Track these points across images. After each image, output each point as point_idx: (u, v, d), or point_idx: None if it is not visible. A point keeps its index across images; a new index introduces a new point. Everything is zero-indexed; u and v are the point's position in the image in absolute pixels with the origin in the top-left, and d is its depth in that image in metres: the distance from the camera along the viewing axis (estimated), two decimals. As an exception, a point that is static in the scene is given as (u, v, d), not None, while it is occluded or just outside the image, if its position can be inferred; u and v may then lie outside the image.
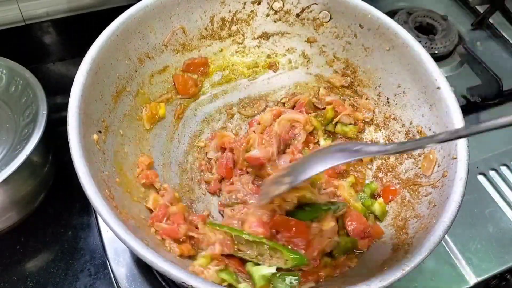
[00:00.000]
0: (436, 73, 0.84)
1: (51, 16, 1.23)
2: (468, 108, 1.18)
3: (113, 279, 0.86)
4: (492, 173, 1.08)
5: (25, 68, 0.99)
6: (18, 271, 0.89)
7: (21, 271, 0.88)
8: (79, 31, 1.23)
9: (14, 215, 0.93)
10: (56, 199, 0.97)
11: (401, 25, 1.25)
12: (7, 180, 0.85)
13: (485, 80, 1.15)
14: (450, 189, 0.73)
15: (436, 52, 1.25)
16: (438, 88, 0.83)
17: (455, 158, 0.76)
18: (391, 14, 1.34)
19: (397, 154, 0.89)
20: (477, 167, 1.08)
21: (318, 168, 0.68)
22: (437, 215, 0.71)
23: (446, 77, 1.20)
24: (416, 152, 0.85)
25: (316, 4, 0.94)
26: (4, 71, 1.01)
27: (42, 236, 0.93)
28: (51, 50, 1.23)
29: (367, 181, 0.91)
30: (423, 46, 1.20)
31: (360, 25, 0.92)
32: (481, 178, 1.07)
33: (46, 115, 0.93)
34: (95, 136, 0.73)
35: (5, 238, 0.92)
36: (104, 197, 0.65)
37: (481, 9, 1.39)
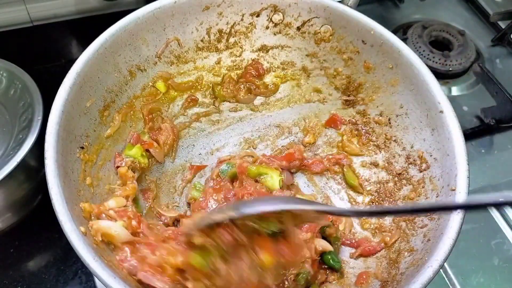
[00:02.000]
0: (440, 96, 0.79)
1: (59, 18, 1.24)
2: (482, 130, 1.12)
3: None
4: (502, 201, 1.01)
5: (25, 72, 1.00)
6: (10, 275, 0.88)
7: (13, 275, 0.88)
8: (86, 33, 1.23)
9: (9, 219, 0.94)
10: (51, 204, 0.97)
11: (415, 39, 1.22)
12: (0, 183, 0.86)
13: (500, 101, 1.09)
14: (446, 223, 0.68)
15: (450, 69, 1.19)
16: (441, 112, 0.78)
17: (454, 190, 0.72)
18: (406, 27, 1.28)
19: (396, 179, 0.85)
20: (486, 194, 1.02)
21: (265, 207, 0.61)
22: (430, 251, 0.67)
23: (460, 96, 1.19)
24: (416, 179, 0.81)
25: (318, 17, 0.90)
26: (5, 74, 1.02)
27: (36, 241, 0.92)
28: (56, 52, 1.23)
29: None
30: (436, 62, 1.19)
31: (363, 41, 0.88)
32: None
33: (41, 121, 0.93)
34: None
35: (-1, 241, 0.92)
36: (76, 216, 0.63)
37: (502, 24, 1.32)
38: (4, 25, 1.19)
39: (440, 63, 1.20)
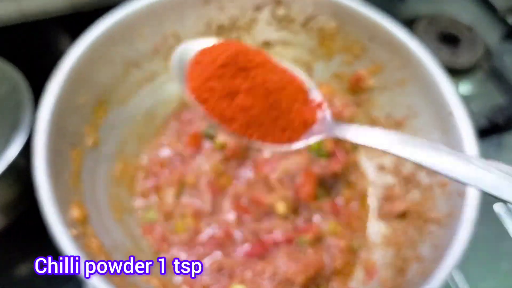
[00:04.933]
0: (451, 96, 0.76)
1: (51, 14, 1.20)
2: (490, 130, 1.09)
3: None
4: (511, 203, 0.99)
5: (15, 69, 0.97)
6: (1, 279, 0.86)
7: (2, 280, 0.86)
8: (79, 30, 1.20)
9: (0, 221, 0.91)
10: (41, 206, 0.96)
11: (421, 34, 1.19)
12: (-12, 185, 0.84)
13: (510, 100, 1.07)
14: (455, 229, 0.67)
15: (457, 66, 1.16)
16: (451, 113, 0.75)
17: (465, 195, 0.69)
18: (411, 22, 1.25)
19: (403, 184, 0.82)
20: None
21: None
22: (438, 259, 0.65)
23: (467, 94, 1.15)
24: (424, 183, 0.78)
25: (323, 13, 0.87)
26: (-6, 72, 0.98)
27: (27, 245, 0.90)
28: (49, 49, 1.20)
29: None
30: (443, 58, 1.15)
31: (370, 38, 0.85)
32: (498, 207, 0.98)
33: (32, 121, 0.90)
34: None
35: (-10, 244, 0.90)
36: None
37: (512, 19, 1.29)
38: (-5, 22, 1.16)
39: (447, 60, 1.17)
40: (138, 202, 0.81)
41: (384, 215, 0.81)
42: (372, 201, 0.85)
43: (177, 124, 0.89)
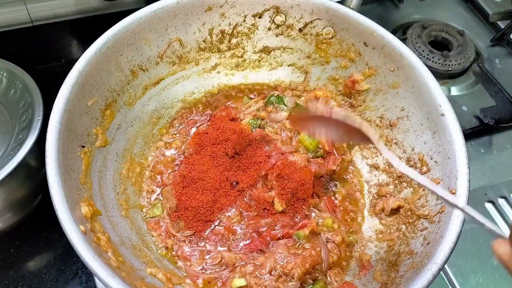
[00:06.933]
0: (441, 98, 0.79)
1: (59, 18, 1.23)
2: (481, 130, 1.12)
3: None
4: (501, 201, 1.02)
5: (25, 72, 0.99)
6: (10, 274, 0.88)
7: (13, 274, 0.88)
8: (86, 33, 1.22)
9: (9, 219, 0.94)
10: (52, 204, 0.96)
11: (415, 39, 1.22)
12: (0, 183, 0.85)
13: (499, 101, 1.09)
14: (446, 226, 0.69)
15: (449, 69, 1.19)
16: (442, 115, 0.78)
17: (454, 193, 0.72)
18: (405, 27, 1.28)
19: (396, 183, 0.85)
20: (486, 194, 1.02)
21: None
22: (430, 254, 0.67)
23: (459, 96, 1.19)
24: (416, 181, 0.81)
25: (320, 19, 0.90)
26: (5, 74, 1.01)
27: (36, 241, 0.92)
28: (57, 52, 1.22)
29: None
30: (436, 62, 1.19)
31: (364, 43, 0.88)
32: (489, 206, 1.01)
33: (42, 121, 0.93)
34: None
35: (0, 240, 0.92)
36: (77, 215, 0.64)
37: (501, 24, 1.32)
38: (5, 25, 1.19)
39: (439, 63, 1.20)
40: (144, 199, 0.84)
41: (378, 212, 0.85)
42: (367, 199, 0.88)
43: (181, 125, 0.93)
